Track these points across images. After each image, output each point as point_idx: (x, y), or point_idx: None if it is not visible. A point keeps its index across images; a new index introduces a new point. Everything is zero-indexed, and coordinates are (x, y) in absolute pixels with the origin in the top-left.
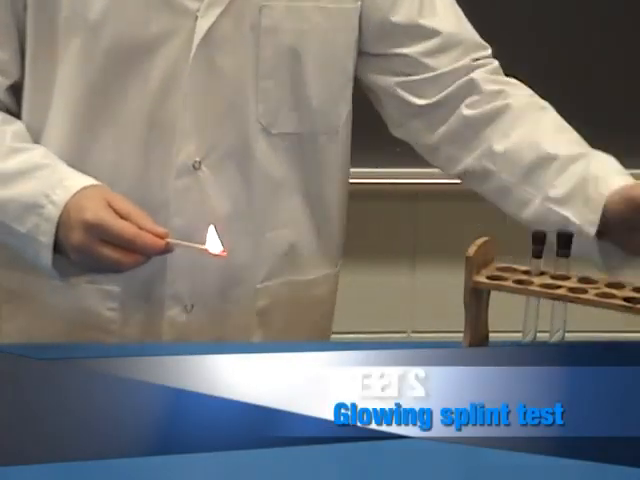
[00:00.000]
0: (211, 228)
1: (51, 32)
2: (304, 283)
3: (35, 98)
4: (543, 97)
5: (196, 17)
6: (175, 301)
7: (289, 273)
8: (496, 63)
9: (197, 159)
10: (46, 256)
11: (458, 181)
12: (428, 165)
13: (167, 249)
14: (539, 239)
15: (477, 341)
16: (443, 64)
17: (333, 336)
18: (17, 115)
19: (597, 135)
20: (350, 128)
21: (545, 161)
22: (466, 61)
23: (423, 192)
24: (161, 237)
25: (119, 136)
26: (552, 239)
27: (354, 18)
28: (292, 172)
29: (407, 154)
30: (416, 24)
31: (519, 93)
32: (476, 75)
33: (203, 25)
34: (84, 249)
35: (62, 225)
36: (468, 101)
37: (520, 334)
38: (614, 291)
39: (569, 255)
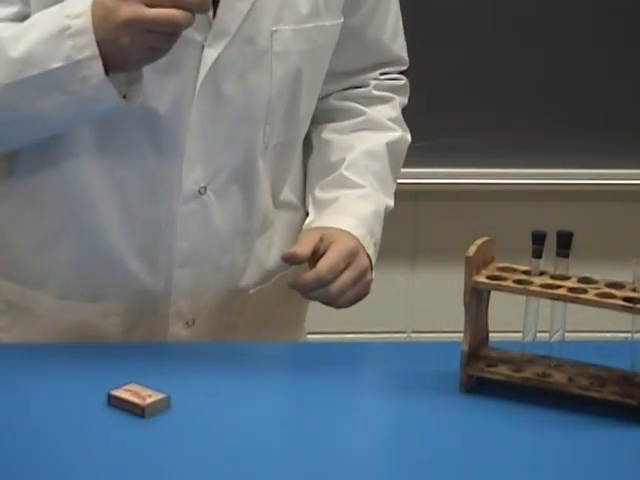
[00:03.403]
0: None
1: None
2: (284, 276)
3: None
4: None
5: (202, 47)
6: (178, 318)
7: (276, 274)
8: (402, 81)
9: (203, 184)
10: (97, 70)
11: (458, 181)
12: (428, 165)
13: (207, 2)
14: (539, 239)
15: (477, 341)
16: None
17: (333, 336)
18: None
19: (597, 134)
20: None
21: (335, 168)
22: (374, 74)
23: (423, 192)
24: None
25: (126, 163)
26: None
27: (338, 32)
28: (281, 180)
29: (407, 154)
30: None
31: (384, 113)
32: (372, 82)
33: (210, 55)
34: (135, 19)
35: (99, 23)
36: (342, 93)
37: (520, 334)
38: (614, 291)
39: (569, 255)
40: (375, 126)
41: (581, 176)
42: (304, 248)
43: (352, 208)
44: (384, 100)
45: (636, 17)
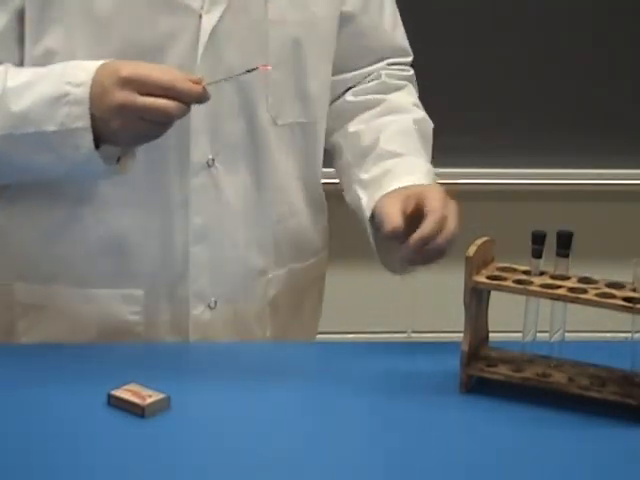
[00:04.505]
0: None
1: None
2: (304, 268)
3: None
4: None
5: (200, 15)
6: (199, 299)
7: (293, 261)
8: (410, 72)
9: (210, 156)
10: (87, 142)
11: (458, 181)
12: None
13: (205, 94)
14: (539, 239)
15: (477, 341)
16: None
17: (333, 336)
18: None
19: (597, 134)
20: None
21: (371, 149)
22: (381, 65)
23: None
24: (196, 83)
25: None
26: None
27: (341, 4)
28: (296, 162)
29: None
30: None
31: (403, 97)
32: (383, 72)
33: (208, 23)
34: (127, 105)
35: (95, 99)
36: (357, 88)
37: (520, 334)
38: (614, 291)
39: (569, 255)
40: (398, 109)
41: (581, 176)
42: (395, 219)
43: (413, 166)
44: (399, 87)
45: (636, 17)
